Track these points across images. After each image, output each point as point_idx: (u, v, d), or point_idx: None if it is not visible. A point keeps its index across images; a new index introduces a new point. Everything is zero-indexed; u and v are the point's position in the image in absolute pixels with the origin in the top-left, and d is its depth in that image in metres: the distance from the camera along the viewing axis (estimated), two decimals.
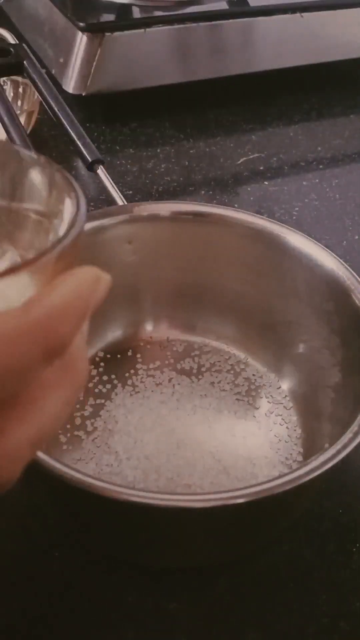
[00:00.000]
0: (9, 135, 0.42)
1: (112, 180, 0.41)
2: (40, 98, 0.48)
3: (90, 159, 0.42)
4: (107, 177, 0.41)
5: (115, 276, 0.41)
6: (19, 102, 0.56)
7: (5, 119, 0.43)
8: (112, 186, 0.40)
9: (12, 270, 0.15)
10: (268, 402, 0.37)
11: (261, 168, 0.57)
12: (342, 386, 0.34)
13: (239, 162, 0.57)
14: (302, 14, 0.60)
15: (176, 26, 0.57)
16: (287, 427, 0.36)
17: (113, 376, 0.38)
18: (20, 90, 0.56)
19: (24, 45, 0.51)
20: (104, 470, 0.33)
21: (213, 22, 0.58)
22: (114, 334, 0.40)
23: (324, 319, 0.35)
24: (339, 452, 0.26)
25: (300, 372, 0.38)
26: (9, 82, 0.56)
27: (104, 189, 0.41)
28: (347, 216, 0.53)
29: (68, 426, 0.35)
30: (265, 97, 0.65)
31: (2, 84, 0.53)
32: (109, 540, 0.31)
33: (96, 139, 0.57)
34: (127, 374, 0.38)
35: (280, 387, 0.38)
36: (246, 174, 0.56)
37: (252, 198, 0.54)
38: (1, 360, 0.15)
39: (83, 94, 0.56)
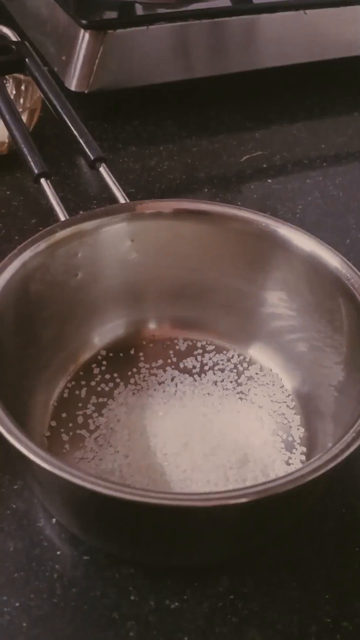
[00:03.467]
0: (11, 134, 0.42)
1: (115, 178, 0.41)
2: (43, 96, 0.48)
3: (92, 157, 0.42)
4: (110, 175, 0.41)
5: (118, 274, 0.42)
6: (21, 100, 0.56)
7: (7, 117, 0.43)
8: (115, 184, 0.40)
9: None
10: (271, 401, 0.37)
11: (264, 166, 0.57)
12: (346, 385, 0.34)
13: (242, 160, 0.57)
14: (306, 11, 0.60)
15: (179, 23, 0.56)
16: (290, 426, 0.36)
17: (115, 375, 0.38)
18: (23, 88, 0.56)
19: (26, 42, 0.51)
20: (105, 469, 0.33)
21: (216, 20, 0.58)
22: (116, 332, 0.40)
23: (327, 318, 0.35)
24: (342, 451, 0.26)
25: (304, 371, 0.37)
26: (11, 80, 0.56)
27: (106, 186, 0.40)
28: (351, 214, 0.52)
29: (70, 425, 0.35)
30: (269, 94, 0.65)
31: (4, 82, 0.53)
32: (110, 539, 0.31)
33: (98, 137, 0.57)
34: (129, 373, 0.38)
35: (283, 386, 0.38)
36: (249, 171, 0.56)
37: (255, 196, 0.54)
38: None
39: (85, 92, 0.56)
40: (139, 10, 0.58)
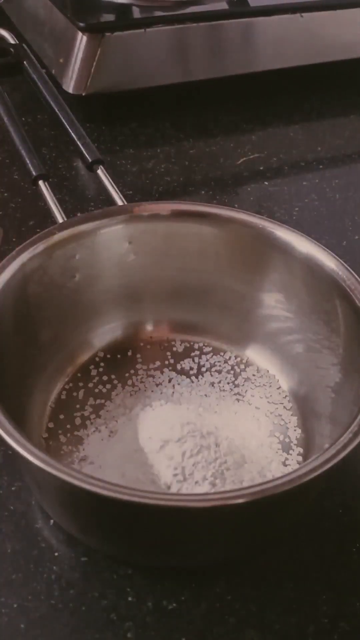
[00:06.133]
0: (8, 136, 0.43)
1: (112, 180, 0.41)
2: (41, 98, 0.48)
3: (90, 159, 0.42)
4: (107, 177, 0.41)
5: (115, 276, 0.42)
6: None
7: (6, 119, 0.43)
8: (112, 186, 0.40)
9: None
10: (268, 402, 0.37)
11: (261, 168, 0.57)
12: (343, 386, 0.34)
13: (239, 162, 0.57)
14: (302, 14, 0.60)
15: (176, 26, 0.57)
16: (287, 428, 0.36)
17: (113, 376, 0.38)
18: None
19: (23, 45, 0.51)
20: (103, 471, 0.33)
21: (213, 22, 0.58)
22: (113, 334, 0.40)
23: (324, 319, 0.35)
24: (339, 452, 0.26)
25: (301, 372, 0.38)
26: None
27: (103, 189, 0.41)
28: (347, 216, 0.53)
29: (68, 426, 0.36)
30: (265, 97, 0.65)
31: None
32: (109, 540, 0.31)
33: (96, 139, 0.57)
34: (127, 374, 0.38)
35: (280, 388, 0.38)
36: (246, 174, 0.56)
37: (252, 198, 0.54)
38: None
39: (83, 94, 0.56)
40: (137, 13, 0.58)
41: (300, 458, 0.35)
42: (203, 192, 0.54)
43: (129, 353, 0.40)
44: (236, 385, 0.38)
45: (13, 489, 0.34)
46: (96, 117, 0.60)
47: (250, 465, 0.34)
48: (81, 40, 0.55)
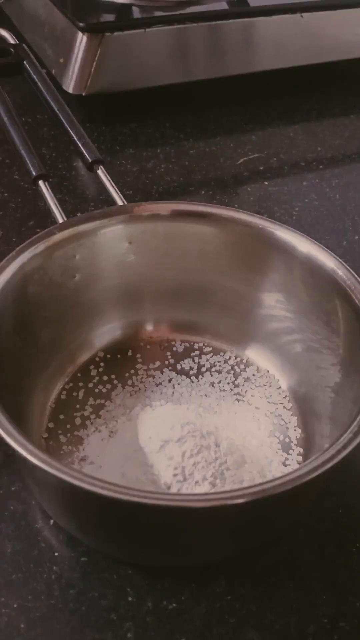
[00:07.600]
0: (9, 136, 0.42)
1: (112, 180, 0.41)
2: (41, 98, 0.48)
3: (90, 159, 0.42)
4: (107, 177, 0.41)
5: (115, 276, 0.42)
6: None
7: (6, 119, 0.43)
8: (112, 186, 0.40)
9: None
10: (268, 402, 0.37)
11: (261, 168, 0.57)
12: (342, 386, 0.34)
13: (239, 162, 0.57)
14: (302, 14, 0.60)
15: (176, 26, 0.57)
16: (287, 428, 0.36)
17: (113, 376, 0.38)
18: None
19: (24, 45, 0.51)
20: (103, 471, 0.33)
21: (213, 22, 0.58)
22: (113, 334, 0.40)
23: (324, 319, 0.35)
24: (339, 452, 0.26)
25: (300, 373, 0.38)
26: None
27: (103, 189, 0.41)
28: (347, 216, 0.53)
29: (68, 426, 0.36)
30: (266, 97, 0.65)
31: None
32: (109, 540, 0.31)
33: (96, 139, 0.57)
34: (127, 374, 0.38)
35: (280, 388, 0.38)
36: (246, 174, 0.56)
37: (252, 198, 0.54)
38: None
39: (83, 94, 0.56)
40: (137, 13, 0.58)
41: (300, 458, 0.35)
42: (203, 192, 0.54)
43: (129, 353, 0.40)
44: (236, 385, 0.38)
45: (13, 489, 0.34)
46: (96, 117, 0.60)
47: (250, 465, 0.34)
48: (81, 40, 0.55)
